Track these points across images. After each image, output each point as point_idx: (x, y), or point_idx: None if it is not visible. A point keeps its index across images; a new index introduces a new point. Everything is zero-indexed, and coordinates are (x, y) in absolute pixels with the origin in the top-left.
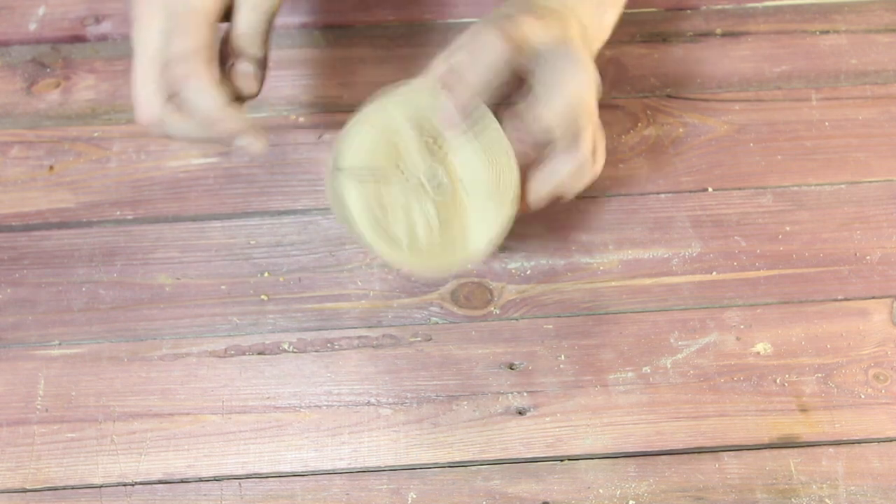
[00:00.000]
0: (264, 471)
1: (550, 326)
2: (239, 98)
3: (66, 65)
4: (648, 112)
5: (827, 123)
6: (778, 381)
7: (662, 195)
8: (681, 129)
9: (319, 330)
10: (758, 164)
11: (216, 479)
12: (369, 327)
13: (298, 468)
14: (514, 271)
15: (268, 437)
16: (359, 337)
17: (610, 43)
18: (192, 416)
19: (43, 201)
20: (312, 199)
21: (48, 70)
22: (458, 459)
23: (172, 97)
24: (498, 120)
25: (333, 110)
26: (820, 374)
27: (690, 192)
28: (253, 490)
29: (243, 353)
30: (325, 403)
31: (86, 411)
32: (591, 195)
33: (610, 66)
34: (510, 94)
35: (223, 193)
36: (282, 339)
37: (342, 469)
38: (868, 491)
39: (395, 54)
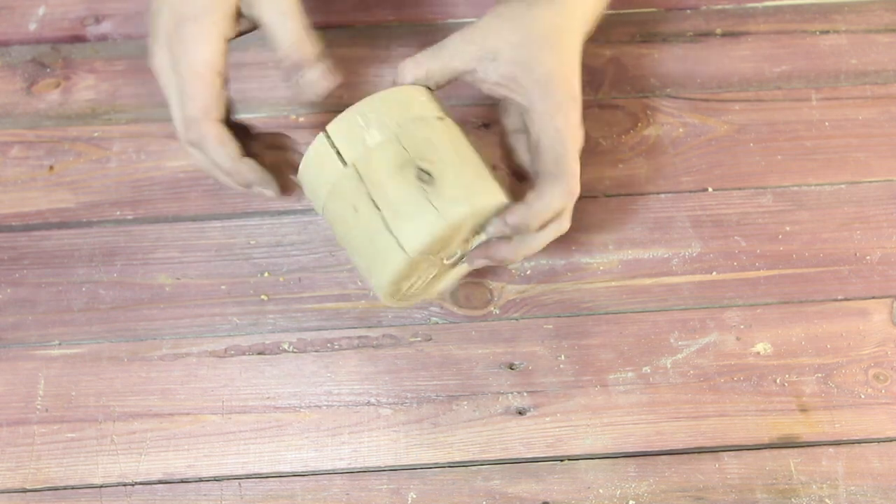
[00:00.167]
0: (264, 471)
1: (550, 326)
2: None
3: (66, 65)
4: (648, 112)
5: (827, 123)
6: (778, 381)
7: (662, 195)
8: (681, 129)
9: (319, 330)
10: (758, 164)
11: (216, 479)
12: (369, 327)
13: (298, 468)
14: (514, 271)
15: (268, 437)
16: (359, 337)
17: (610, 43)
18: (192, 416)
19: (43, 201)
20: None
21: (48, 70)
22: (458, 459)
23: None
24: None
25: (333, 110)
26: (820, 374)
27: (690, 192)
28: (253, 490)
29: (243, 353)
30: (325, 403)
31: (86, 411)
32: (591, 195)
33: (610, 66)
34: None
35: (223, 193)
36: (282, 339)
37: (342, 469)
38: (868, 491)
39: (395, 54)
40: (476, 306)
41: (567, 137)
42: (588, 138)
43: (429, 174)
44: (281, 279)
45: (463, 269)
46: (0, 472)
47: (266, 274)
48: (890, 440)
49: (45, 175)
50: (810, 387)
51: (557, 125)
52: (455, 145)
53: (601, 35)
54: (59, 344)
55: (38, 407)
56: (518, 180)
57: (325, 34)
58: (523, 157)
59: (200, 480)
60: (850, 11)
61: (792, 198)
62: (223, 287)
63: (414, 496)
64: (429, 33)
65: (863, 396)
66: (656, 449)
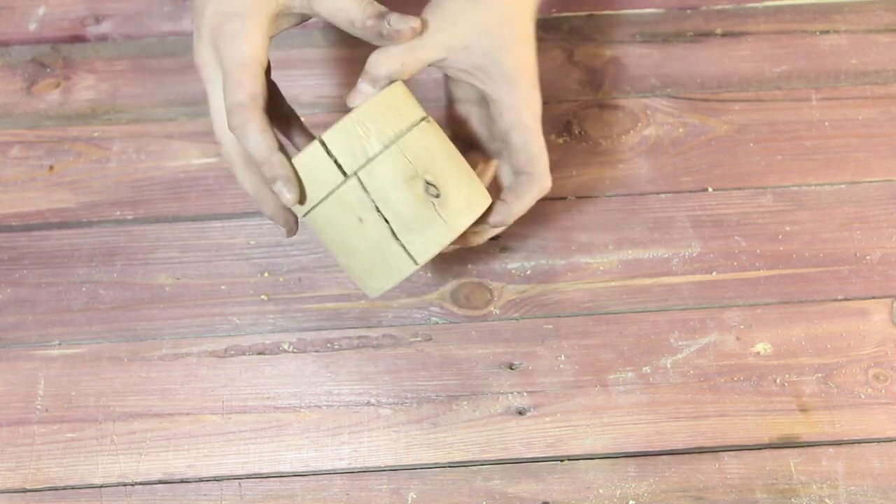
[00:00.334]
0: (264, 471)
1: (550, 326)
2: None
3: (66, 65)
4: (648, 112)
5: (827, 123)
6: (778, 381)
7: (662, 195)
8: (681, 129)
9: (319, 330)
10: (758, 164)
11: (216, 479)
12: (369, 327)
13: (298, 468)
14: (514, 271)
15: (268, 437)
16: (359, 337)
17: (610, 43)
18: (192, 416)
19: (43, 201)
20: None
21: (48, 70)
22: (458, 459)
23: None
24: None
25: (333, 110)
26: (820, 374)
27: (690, 192)
28: (253, 490)
29: (243, 353)
30: (325, 403)
31: (86, 411)
32: (591, 195)
33: (610, 66)
34: None
35: (223, 193)
36: (282, 339)
37: (342, 469)
38: (868, 491)
39: None
40: (476, 306)
41: (536, 133)
42: (588, 138)
43: (435, 187)
44: (281, 279)
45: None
46: (0, 472)
47: (266, 274)
48: (890, 440)
49: (45, 175)
50: (810, 387)
51: (526, 121)
52: (446, 151)
53: (601, 35)
54: (59, 344)
55: (38, 407)
56: (467, 149)
57: (325, 34)
58: (476, 127)
59: (200, 480)
60: (850, 11)
61: (792, 198)
62: (223, 287)
63: (414, 496)
64: None
65: (863, 396)
66: (656, 449)
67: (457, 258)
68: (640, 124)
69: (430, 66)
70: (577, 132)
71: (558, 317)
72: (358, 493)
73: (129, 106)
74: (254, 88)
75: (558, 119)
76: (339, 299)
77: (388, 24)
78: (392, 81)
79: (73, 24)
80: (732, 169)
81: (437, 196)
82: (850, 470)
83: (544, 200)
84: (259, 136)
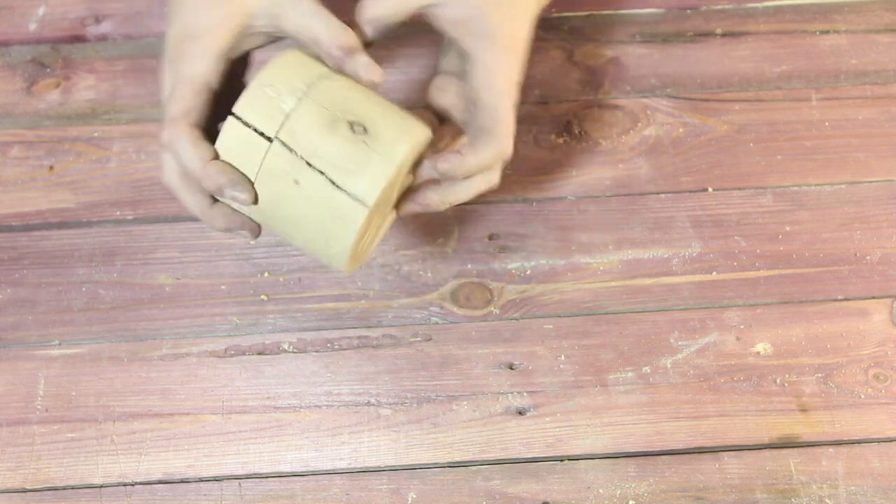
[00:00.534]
0: (264, 471)
1: (550, 326)
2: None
3: (66, 65)
4: (648, 112)
5: (827, 123)
6: (778, 381)
7: (662, 195)
8: (681, 129)
9: (319, 330)
10: (758, 164)
11: (216, 479)
12: (369, 327)
13: (298, 468)
14: (514, 271)
15: (268, 437)
16: (359, 337)
17: (610, 43)
18: (192, 416)
19: (43, 201)
20: None
21: (48, 70)
22: (458, 459)
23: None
24: None
25: None
26: (820, 374)
27: (690, 192)
28: (253, 490)
29: (243, 353)
30: (325, 403)
31: (86, 411)
32: (591, 195)
33: (610, 66)
34: None
35: None
36: (282, 339)
37: (342, 469)
38: (868, 491)
39: (395, 54)
40: (476, 306)
41: (506, 97)
42: (588, 138)
43: (361, 125)
44: (281, 279)
45: (391, 217)
46: (0, 472)
47: (266, 274)
48: (890, 440)
49: (45, 175)
50: (810, 387)
51: (498, 84)
52: (364, 94)
53: (601, 35)
54: (59, 344)
55: (38, 407)
56: (440, 123)
57: None
58: (451, 99)
59: (200, 480)
60: (850, 11)
61: (792, 198)
62: (223, 287)
63: (414, 496)
64: (429, 33)
65: (863, 396)
66: (656, 449)
67: (457, 258)
68: (640, 124)
69: (420, 9)
70: (577, 132)
71: (558, 317)
72: (358, 493)
73: (129, 106)
74: (188, 104)
75: (558, 119)
76: (339, 299)
77: (354, 65)
78: (385, 24)
79: (73, 24)
80: (732, 169)
81: (366, 132)
82: (850, 470)
83: (544, 200)
84: (190, 148)
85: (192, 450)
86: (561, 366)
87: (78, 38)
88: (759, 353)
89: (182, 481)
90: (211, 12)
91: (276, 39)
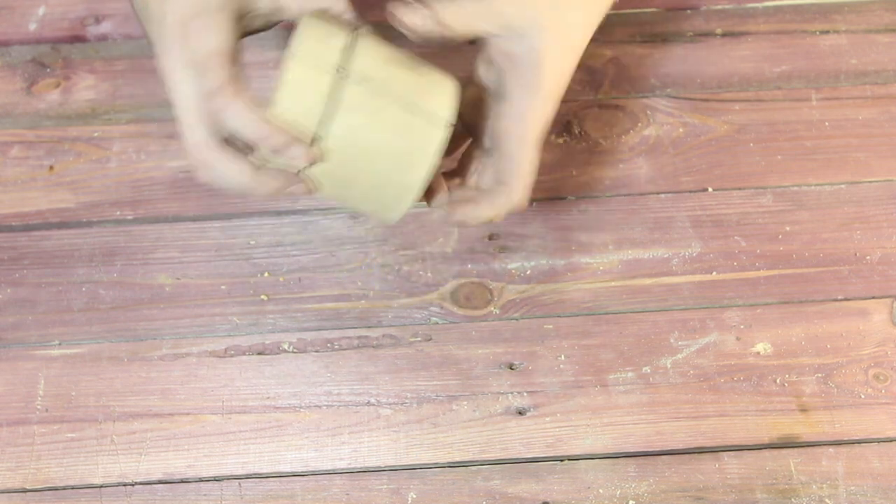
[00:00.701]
0: (264, 471)
1: (550, 326)
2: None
3: (66, 65)
4: (648, 112)
5: (827, 123)
6: (778, 381)
7: (662, 195)
8: (681, 129)
9: (319, 330)
10: (758, 164)
11: (216, 479)
12: (369, 327)
13: (298, 468)
14: (514, 271)
15: (268, 437)
16: (359, 337)
17: (610, 43)
18: (192, 416)
19: (43, 201)
20: (312, 199)
21: (48, 70)
22: (458, 459)
23: (225, 140)
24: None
25: None
26: (820, 374)
27: (690, 192)
28: (253, 490)
29: (243, 353)
30: (325, 403)
31: (86, 411)
32: (591, 195)
33: (610, 66)
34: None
35: (223, 193)
36: (282, 339)
37: (342, 469)
38: (868, 491)
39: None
40: (476, 306)
41: (530, 149)
42: (588, 138)
43: (412, 61)
44: (281, 279)
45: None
46: (0, 472)
47: (266, 274)
48: (890, 440)
49: (45, 175)
50: (810, 387)
51: (526, 135)
52: (394, 48)
53: (601, 35)
54: (59, 344)
55: (38, 407)
56: (462, 132)
57: None
58: (480, 115)
59: (200, 480)
60: (850, 11)
61: (792, 198)
62: (223, 287)
63: (414, 496)
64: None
65: (863, 396)
66: (656, 449)
67: (457, 258)
68: (640, 124)
69: (486, 35)
70: (577, 132)
71: (558, 317)
72: (358, 493)
73: (129, 106)
74: (229, 73)
75: (558, 119)
76: (339, 299)
77: (396, 16)
78: (447, 38)
79: (73, 24)
80: (732, 169)
81: (420, 64)
82: (850, 470)
83: (544, 200)
84: (246, 112)
85: (192, 450)
86: (561, 366)
87: (78, 38)
88: (759, 353)
89: (182, 481)
90: None
91: (274, 24)
